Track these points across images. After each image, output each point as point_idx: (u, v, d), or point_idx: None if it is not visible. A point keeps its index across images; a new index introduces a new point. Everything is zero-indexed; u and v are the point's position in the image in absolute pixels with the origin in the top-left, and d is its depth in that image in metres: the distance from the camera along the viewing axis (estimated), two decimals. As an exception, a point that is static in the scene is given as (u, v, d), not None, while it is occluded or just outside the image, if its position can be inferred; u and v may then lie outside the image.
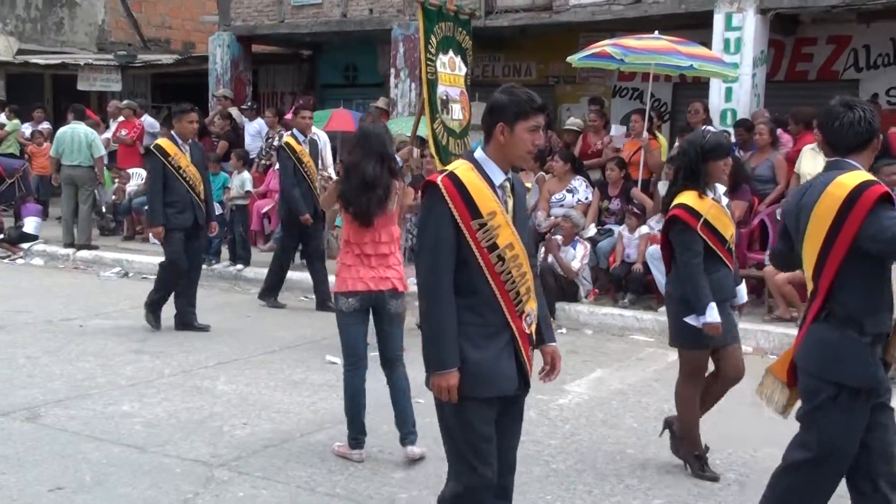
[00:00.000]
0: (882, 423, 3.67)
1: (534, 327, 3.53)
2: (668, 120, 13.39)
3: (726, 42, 11.23)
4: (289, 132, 10.91)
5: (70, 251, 12.61)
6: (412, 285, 5.19)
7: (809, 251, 3.66)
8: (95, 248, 12.69)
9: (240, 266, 11.27)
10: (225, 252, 11.61)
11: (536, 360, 3.58)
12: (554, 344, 3.66)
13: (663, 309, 8.91)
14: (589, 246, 9.50)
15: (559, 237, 9.42)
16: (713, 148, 4.95)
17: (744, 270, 8.10)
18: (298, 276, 10.79)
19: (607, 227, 10.02)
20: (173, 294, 8.53)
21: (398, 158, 6.35)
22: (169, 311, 8.55)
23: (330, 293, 9.53)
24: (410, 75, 13.96)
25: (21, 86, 19.50)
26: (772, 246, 4.40)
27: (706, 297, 4.81)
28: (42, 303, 9.64)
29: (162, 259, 8.64)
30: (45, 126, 16.22)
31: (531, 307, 3.49)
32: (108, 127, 15.43)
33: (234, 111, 14.62)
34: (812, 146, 9.33)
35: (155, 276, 8.85)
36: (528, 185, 10.11)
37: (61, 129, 12.83)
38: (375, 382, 5.43)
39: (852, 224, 3.48)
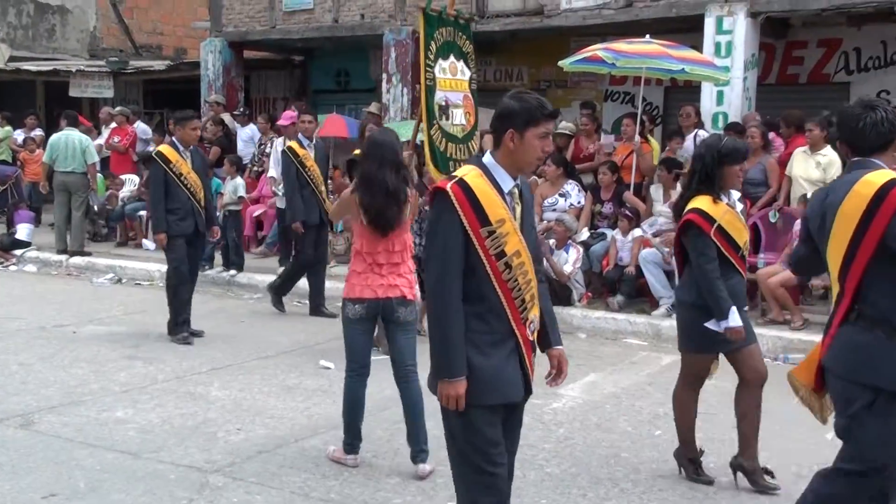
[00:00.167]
0: None
1: (536, 334, 3.52)
2: (659, 124, 13.41)
3: (717, 46, 11.27)
4: (286, 138, 10.97)
5: (63, 257, 12.59)
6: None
7: (835, 252, 3.58)
8: (88, 254, 12.67)
9: (233, 271, 11.26)
10: (218, 258, 11.59)
11: (537, 366, 3.57)
12: (560, 347, 3.65)
13: (656, 312, 9.03)
14: (581, 250, 9.52)
15: (552, 241, 9.43)
16: (730, 153, 4.88)
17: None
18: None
19: (600, 230, 10.04)
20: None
21: None
22: (162, 317, 8.54)
23: (324, 299, 9.57)
24: (402, 80, 13.97)
25: (13, 92, 19.48)
26: (793, 251, 4.29)
27: (726, 302, 4.73)
28: (35, 309, 9.62)
29: (153, 264, 8.62)
30: (38, 133, 16.18)
31: (534, 314, 3.48)
32: (100, 133, 15.41)
33: (226, 117, 14.61)
34: (804, 149, 9.37)
35: (164, 289, 8.65)
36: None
37: (55, 136, 12.81)
38: (371, 387, 5.41)
39: (880, 222, 3.41)
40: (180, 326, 8.28)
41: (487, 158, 3.44)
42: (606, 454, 5.53)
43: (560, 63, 10.68)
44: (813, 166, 9.20)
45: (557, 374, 3.64)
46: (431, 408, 5.12)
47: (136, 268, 11.93)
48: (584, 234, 9.94)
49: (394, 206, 5.11)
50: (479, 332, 3.36)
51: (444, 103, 8.22)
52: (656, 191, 10.01)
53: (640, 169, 10.25)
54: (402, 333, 5.20)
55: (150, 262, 12.00)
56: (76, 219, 12.65)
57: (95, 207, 13.87)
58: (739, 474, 5.00)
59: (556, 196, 10.22)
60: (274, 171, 11.46)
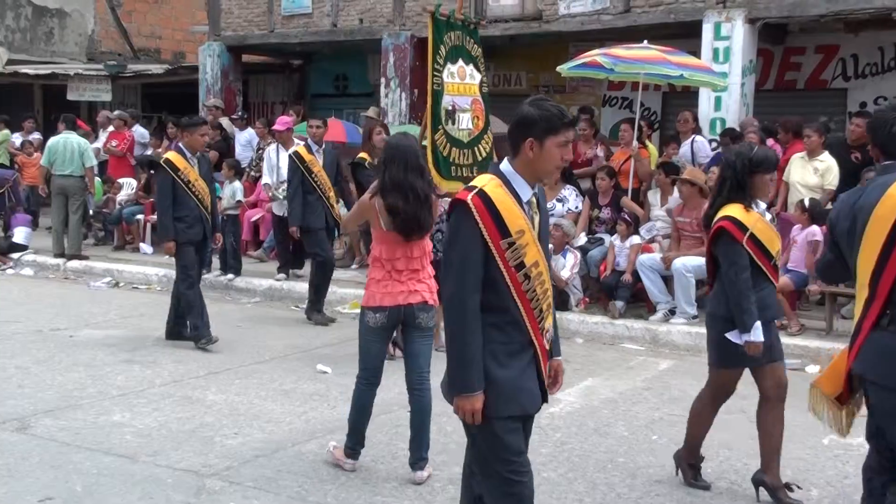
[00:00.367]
0: None
1: (550, 343, 3.51)
2: (657, 129, 13.43)
3: (715, 51, 11.30)
4: (280, 143, 10.98)
5: (60, 261, 12.58)
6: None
7: (867, 255, 3.49)
8: (86, 258, 12.66)
9: (230, 276, 11.25)
10: (216, 261, 11.58)
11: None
12: (560, 358, 3.65)
13: (654, 317, 9.03)
14: (579, 255, 9.53)
15: (550, 246, 9.42)
16: (761, 161, 4.77)
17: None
18: (289, 285, 10.81)
19: (598, 235, 10.04)
20: (170, 303, 8.48)
21: None
22: (159, 321, 8.53)
23: (322, 305, 9.55)
24: (400, 85, 13.99)
25: (11, 96, 19.48)
26: (820, 258, 4.21)
27: (752, 317, 4.61)
28: (32, 313, 9.61)
29: (150, 268, 8.60)
30: (36, 136, 16.19)
31: (550, 322, 3.47)
32: (97, 137, 15.40)
33: (224, 121, 14.61)
34: (801, 154, 9.39)
35: (168, 294, 8.61)
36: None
37: (53, 139, 12.80)
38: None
39: None
40: (203, 330, 8.19)
41: (505, 167, 3.38)
42: (603, 459, 5.52)
43: (558, 68, 10.69)
44: (810, 172, 9.22)
45: (553, 383, 3.64)
46: (434, 412, 5.15)
47: (133, 271, 11.92)
48: (582, 239, 9.94)
49: (425, 210, 5.07)
50: (498, 342, 3.32)
51: (451, 108, 8.23)
52: (654, 196, 10.02)
53: (637, 174, 10.27)
54: (421, 339, 5.15)
55: (147, 266, 12.00)
56: (73, 222, 12.65)
57: (91, 211, 13.86)
58: (762, 489, 4.90)
59: (554, 201, 10.20)
60: (268, 177, 11.44)
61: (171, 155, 8.33)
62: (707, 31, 11.36)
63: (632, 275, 9.21)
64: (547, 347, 3.46)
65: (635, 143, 10.22)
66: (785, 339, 8.19)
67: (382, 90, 14.32)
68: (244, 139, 13.97)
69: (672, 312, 8.96)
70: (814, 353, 7.95)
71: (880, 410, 3.53)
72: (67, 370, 7.30)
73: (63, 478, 5.02)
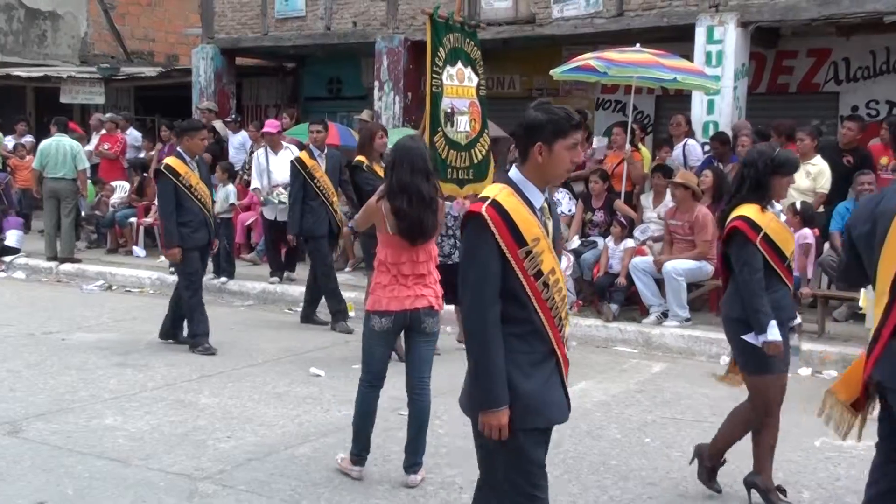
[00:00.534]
0: None
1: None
2: (650, 132, 13.45)
3: (708, 55, 11.31)
4: (268, 146, 10.96)
5: (53, 264, 12.56)
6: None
7: (889, 260, 3.38)
8: (78, 261, 12.64)
9: (224, 279, 11.23)
10: (209, 265, 11.55)
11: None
12: None
13: (647, 320, 9.04)
14: (573, 258, 9.53)
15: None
16: (783, 163, 4.72)
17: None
18: (282, 289, 10.80)
19: (591, 238, 10.05)
20: (169, 306, 8.45)
21: None
22: (152, 324, 8.52)
23: (317, 307, 9.55)
24: (394, 88, 13.98)
25: (3, 98, 19.43)
26: (839, 262, 4.13)
27: (766, 316, 4.53)
28: (24, 316, 9.59)
29: (143, 271, 8.57)
30: (28, 139, 16.16)
31: (568, 330, 3.42)
32: (90, 140, 15.38)
33: (217, 124, 14.59)
34: (793, 158, 9.39)
35: (174, 306, 8.47)
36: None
37: (45, 142, 12.78)
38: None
39: None
40: (201, 337, 8.15)
41: (515, 174, 3.33)
42: (596, 461, 5.53)
43: (551, 72, 10.70)
44: (803, 175, 9.22)
45: None
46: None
47: (126, 275, 11.91)
48: (575, 242, 9.95)
49: (431, 213, 5.03)
50: (520, 352, 3.25)
51: (449, 110, 8.24)
52: (647, 199, 10.04)
53: (630, 177, 10.28)
54: (425, 344, 5.12)
55: (140, 269, 11.99)
56: (66, 225, 12.62)
57: (83, 213, 13.84)
58: (753, 492, 4.87)
59: (547, 204, 10.22)
60: (257, 181, 11.39)
61: (171, 160, 8.23)
62: (700, 34, 11.38)
63: (626, 278, 9.22)
64: (568, 355, 3.41)
65: (628, 146, 10.24)
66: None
67: (376, 93, 14.32)
68: (237, 142, 13.97)
69: (665, 315, 8.98)
70: (805, 356, 7.95)
71: None
72: (59, 373, 7.29)
73: (55, 481, 5.01)
